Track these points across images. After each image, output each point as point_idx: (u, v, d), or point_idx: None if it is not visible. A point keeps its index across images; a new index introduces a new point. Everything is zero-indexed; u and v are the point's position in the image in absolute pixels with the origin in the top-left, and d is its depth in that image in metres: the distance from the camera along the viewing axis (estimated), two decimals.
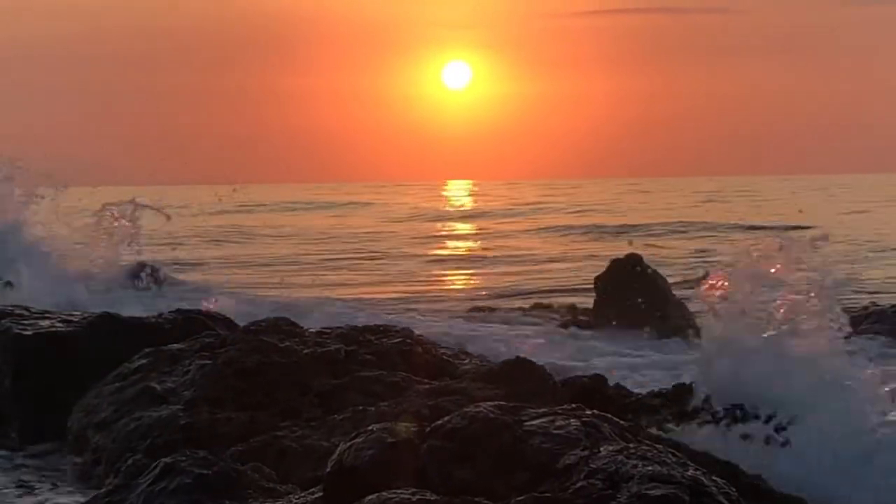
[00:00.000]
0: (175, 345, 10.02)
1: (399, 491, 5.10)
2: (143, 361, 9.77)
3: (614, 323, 15.41)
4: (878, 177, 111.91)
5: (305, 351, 9.58)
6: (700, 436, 7.96)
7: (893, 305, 14.17)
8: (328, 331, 10.34)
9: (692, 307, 16.68)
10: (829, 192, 75.86)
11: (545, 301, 20.68)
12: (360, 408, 8.01)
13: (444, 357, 10.20)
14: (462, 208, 65.06)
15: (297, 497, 5.92)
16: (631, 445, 5.26)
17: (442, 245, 39.21)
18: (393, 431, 5.51)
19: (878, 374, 8.54)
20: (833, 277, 8.88)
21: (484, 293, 23.79)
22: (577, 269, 27.64)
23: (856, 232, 36.77)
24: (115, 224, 20.86)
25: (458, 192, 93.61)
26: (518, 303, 20.88)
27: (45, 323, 10.77)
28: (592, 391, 8.20)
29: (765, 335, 8.59)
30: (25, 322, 10.75)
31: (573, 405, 5.85)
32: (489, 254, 34.75)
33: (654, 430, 7.73)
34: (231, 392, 9.02)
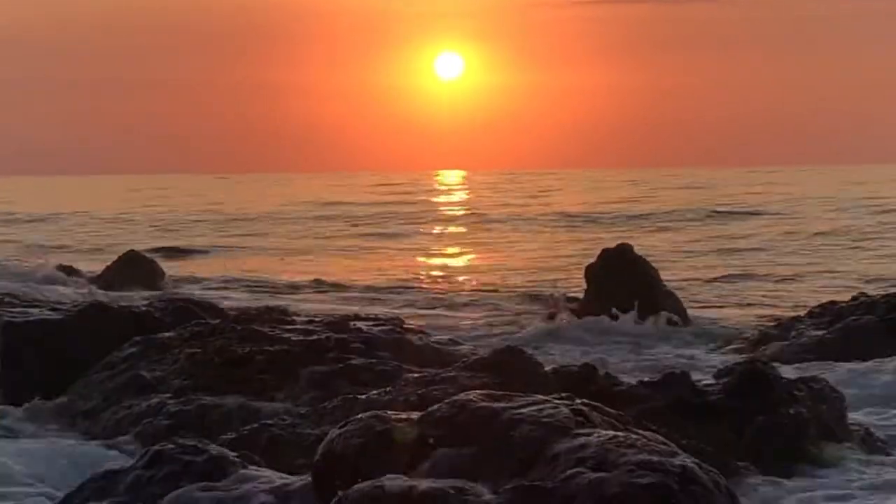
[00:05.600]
0: (165, 333, 10.01)
1: (388, 478, 5.10)
2: (133, 350, 9.75)
3: (603, 312, 15.38)
4: (867, 167, 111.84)
5: (295, 339, 9.57)
6: None
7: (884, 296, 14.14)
8: (318, 319, 10.33)
9: (682, 296, 16.73)
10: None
11: (535, 291, 20.69)
12: (350, 396, 8.00)
13: (435, 346, 10.20)
14: (454, 197, 65.06)
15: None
16: (620, 434, 5.25)
17: (430, 234, 39.18)
18: (382, 419, 5.50)
19: None
20: None
21: (475, 283, 23.79)
22: (569, 258, 27.64)
23: None
24: None
25: (450, 182, 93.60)
26: (507, 293, 20.89)
27: (35, 311, 10.75)
28: (582, 380, 8.18)
29: None
30: (15, 310, 10.72)
31: (563, 394, 5.84)
32: (480, 242, 34.75)
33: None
34: (221, 380, 9.02)
